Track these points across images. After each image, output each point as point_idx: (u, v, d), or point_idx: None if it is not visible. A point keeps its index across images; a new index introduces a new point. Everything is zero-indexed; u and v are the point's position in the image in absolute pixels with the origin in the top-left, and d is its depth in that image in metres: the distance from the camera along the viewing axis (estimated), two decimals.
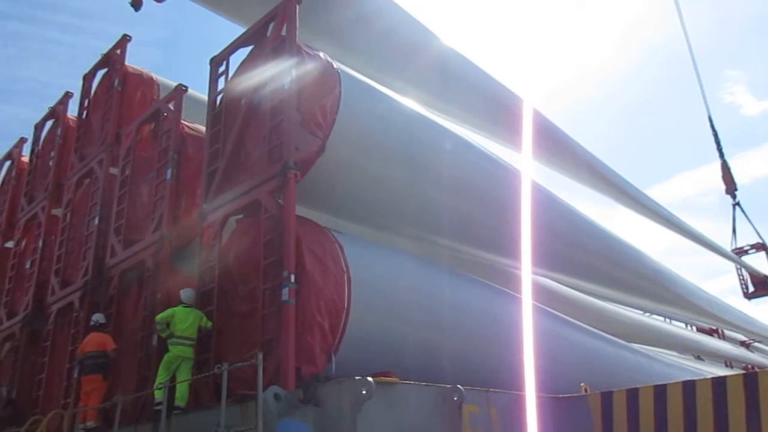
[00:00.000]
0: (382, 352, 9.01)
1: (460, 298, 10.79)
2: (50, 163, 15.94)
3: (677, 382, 8.10)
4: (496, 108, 14.99)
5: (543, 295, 14.57)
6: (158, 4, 13.12)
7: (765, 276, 29.55)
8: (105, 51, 15.07)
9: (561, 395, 8.84)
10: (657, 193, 79.80)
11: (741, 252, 29.98)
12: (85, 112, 15.47)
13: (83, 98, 15.60)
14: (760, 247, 29.88)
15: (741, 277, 29.91)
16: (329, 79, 9.55)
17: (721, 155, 27.99)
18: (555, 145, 16.56)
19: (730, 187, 28.54)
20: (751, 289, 29.68)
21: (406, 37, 13.54)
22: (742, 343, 33.78)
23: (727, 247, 29.29)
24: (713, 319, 24.45)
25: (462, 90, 14.16)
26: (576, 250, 14.34)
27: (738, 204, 28.76)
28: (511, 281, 13.00)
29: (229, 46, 11.16)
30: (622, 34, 72.28)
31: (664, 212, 21.65)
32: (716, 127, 27.41)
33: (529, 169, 13.92)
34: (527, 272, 12.45)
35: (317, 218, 9.66)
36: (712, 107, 71.20)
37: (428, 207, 11.06)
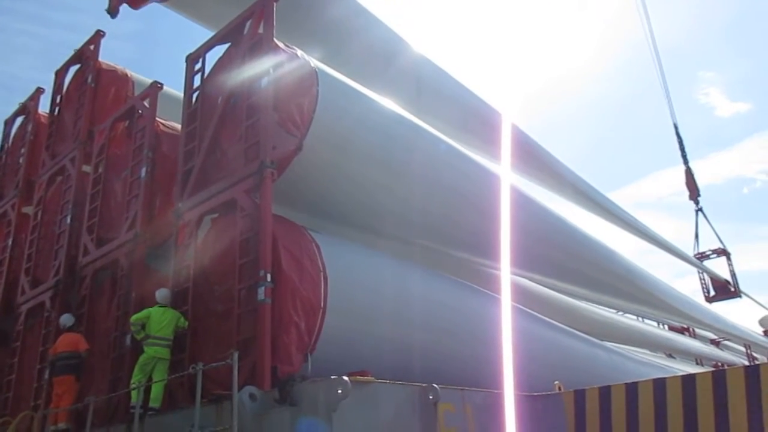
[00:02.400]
0: (358, 351, 9.02)
1: (436, 298, 10.85)
2: (20, 160, 15.65)
3: (648, 380, 8.24)
4: (469, 117, 15.06)
5: (517, 293, 14.70)
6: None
7: (726, 281, 30.32)
8: (78, 46, 14.86)
9: (535, 393, 8.94)
10: (632, 192, 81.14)
11: (703, 257, 30.74)
12: (57, 109, 15.21)
13: (55, 94, 15.35)
14: (721, 252, 30.69)
15: (703, 281, 30.69)
16: (306, 77, 9.52)
17: (686, 162, 28.73)
18: (525, 153, 16.75)
19: (694, 193, 29.28)
20: (713, 293, 30.47)
21: (379, 46, 13.54)
22: (712, 341, 34.53)
23: (691, 251, 30.06)
24: (684, 318, 24.92)
25: (435, 100, 14.14)
26: (550, 249, 14.50)
27: (701, 210, 29.53)
28: (486, 280, 13.10)
29: (205, 44, 11.06)
30: (601, 34, 73.28)
31: (629, 218, 22.11)
32: (681, 135, 28.22)
33: (507, 171, 14.02)
34: (506, 273, 12.55)
35: (294, 218, 9.63)
36: (687, 108, 72.75)
37: (406, 207, 11.09)
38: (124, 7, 13.43)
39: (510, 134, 14.91)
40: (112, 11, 13.33)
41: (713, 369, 14.88)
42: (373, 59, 12.63)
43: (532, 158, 17.08)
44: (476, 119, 15.12)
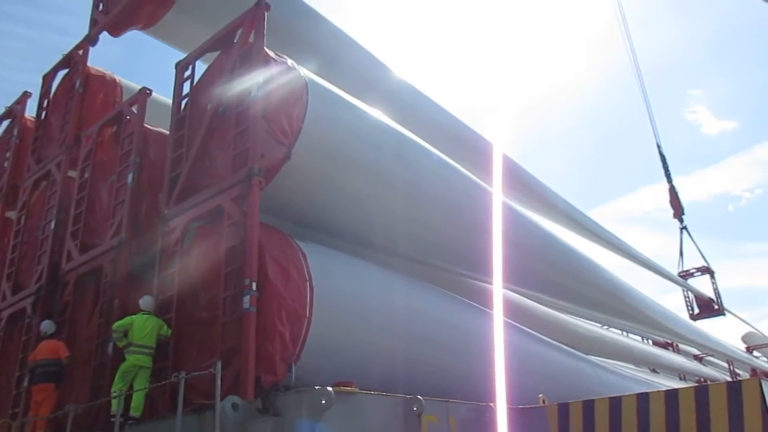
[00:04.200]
0: (344, 361, 8.97)
1: (422, 309, 10.84)
2: (5, 164, 15.50)
3: (632, 395, 8.27)
4: (453, 143, 15.12)
5: (503, 306, 14.73)
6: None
7: (710, 299, 30.64)
8: (66, 49, 14.87)
9: (519, 406, 8.94)
10: (619, 206, 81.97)
11: (687, 275, 31.06)
12: (44, 113, 15.11)
13: (42, 98, 15.25)
14: (705, 270, 31.03)
15: (687, 299, 30.97)
16: (296, 86, 9.54)
17: (669, 181, 29.09)
18: (510, 179, 16.94)
19: (678, 212, 29.63)
20: (697, 310, 30.76)
21: (360, 72, 13.59)
22: (696, 357, 34.74)
23: (675, 268, 30.45)
24: (668, 333, 25.09)
25: (418, 127, 14.20)
26: (537, 262, 14.55)
27: (685, 228, 29.88)
28: (472, 292, 13.11)
29: (195, 51, 11.06)
30: (590, 48, 74.25)
31: (615, 240, 22.37)
32: (665, 154, 28.75)
33: (498, 185, 14.08)
34: (498, 286, 12.58)
35: (282, 228, 9.59)
36: (675, 125, 73.71)
37: (394, 217, 11.08)
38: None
39: (497, 155, 15.04)
40: (92, 38, 13.50)
41: (696, 384, 14.96)
42: (353, 86, 12.61)
43: (516, 182, 17.27)
44: (460, 145, 15.19)
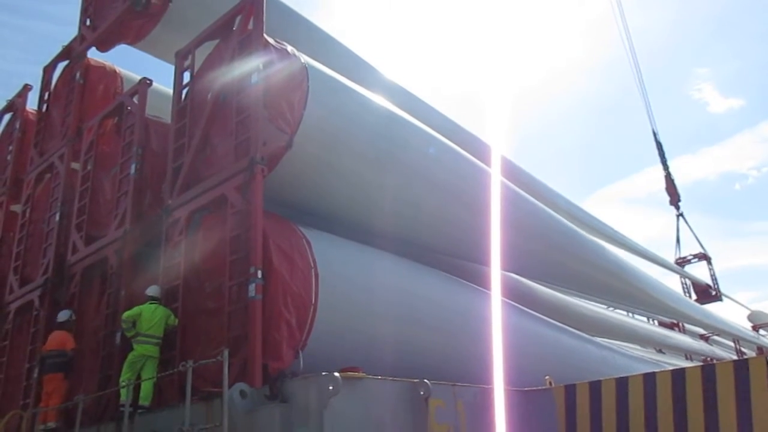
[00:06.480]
0: (349, 347, 9.01)
1: (427, 294, 10.85)
2: (8, 158, 15.53)
3: (638, 375, 8.27)
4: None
5: (508, 289, 14.73)
6: None
7: (707, 285, 30.62)
8: (65, 39, 14.85)
9: (526, 388, 8.96)
10: (623, 188, 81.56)
11: (684, 262, 31.05)
12: (45, 106, 15.11)
13: (43, 91, 15.26)
14: (702, 256, 30.97)
15: (684, 286, 30.95)
16: (297, 73, 9.48)
17: (665, 168, 28.99)
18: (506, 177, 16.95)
19: (674, 198, 29.55)
20: (694, 297, 30.78)
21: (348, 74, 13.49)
22: (702, 337, 34.76)
23: (673, 255, 30.54)
24: (674, 314, 25.08)
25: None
26: (541, 245, 14.51)
27: (681, 215, 29.82)
28: (478, 276, 13.11)
29: (194, 40, 10.98)
30: (594, 28, 73.45)
31: (609, 231, 22.40)
32: (661, 141, 28.78)
33: (498, 166, 14.02)
34: (496, 269, 12.57)
35: (285, 215, 9.58)
36: (681, 104, 73.14)
37: (396, 203, 11.06)
38: None
39: (495, 150, 14.99)
40: (80, 54, 13.45)
41: (703, 363, 14.96)
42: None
43: (513, 181, 17.28)
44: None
